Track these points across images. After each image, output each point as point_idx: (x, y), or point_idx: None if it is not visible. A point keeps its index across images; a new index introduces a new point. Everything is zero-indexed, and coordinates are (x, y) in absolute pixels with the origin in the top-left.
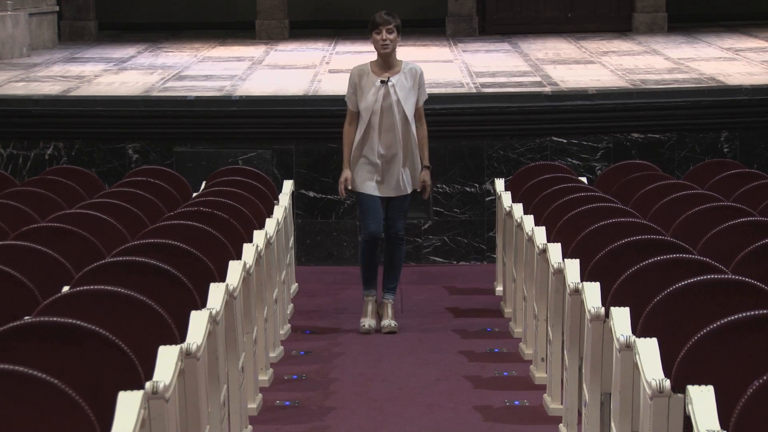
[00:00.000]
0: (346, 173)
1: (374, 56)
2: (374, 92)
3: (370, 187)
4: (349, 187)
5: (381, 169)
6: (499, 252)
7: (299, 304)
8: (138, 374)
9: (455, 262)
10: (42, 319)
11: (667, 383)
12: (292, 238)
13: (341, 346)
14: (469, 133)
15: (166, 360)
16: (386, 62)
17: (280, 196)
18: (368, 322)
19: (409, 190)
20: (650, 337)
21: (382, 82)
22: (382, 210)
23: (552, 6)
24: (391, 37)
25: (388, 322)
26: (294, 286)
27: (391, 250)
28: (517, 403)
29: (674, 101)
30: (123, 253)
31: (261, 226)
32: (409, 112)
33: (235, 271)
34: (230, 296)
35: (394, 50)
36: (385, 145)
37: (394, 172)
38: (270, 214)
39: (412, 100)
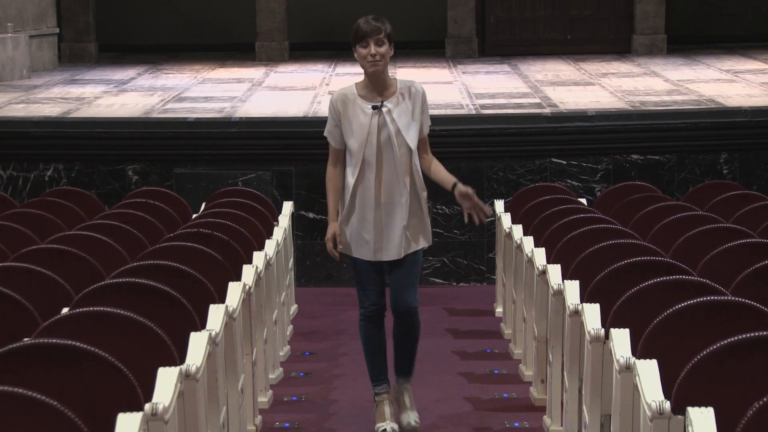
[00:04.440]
0: (333, 227)
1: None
2: (365, 122)
3: (364, 251)
4: (340, 247)
5: (379, 225)
6: (498, 273)
7: (299, 326)
8: (137, 396)
9: (455, 284)
10: (41, 340)
11: (667, 405)
12: (292, 260)
13: (341, 368)
14: (468, 155)
15: (166, 381)
16: (377, 82)
17: (280, 218)
18: (389, 426)
19: (419, 246)
20: (650, 359)
21: (375, 108)
22: (384, 276)
23: (551, 28)
24: (382, 50)
25: (410, 418)
26: (293, 308)
27: (401, 327)
28: (516, 424)
29: (674, 123)
30: (123, 275)
31: (261, 247)
32: (413, 145)
33: (234, 292)
34: (230, 318)
35: (386, 67)
36: (387, 191)
37: (396, 227)
38: (270, 235)
39: (415, 127)
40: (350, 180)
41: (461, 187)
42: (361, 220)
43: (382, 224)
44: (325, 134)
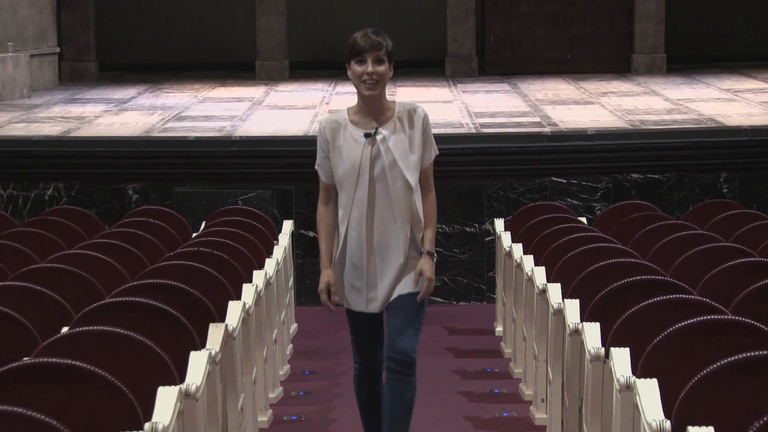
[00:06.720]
0: (327, 276)
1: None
2: (357, 153)
3: (357, 301)
4: (335, 298)
5: (372, 271)
6: (498, 292)
7: (299, 345)
8: (137, 415)
9: (455, 302)
10: (41, 360)
11: (668, 424)
12: (292, 278)
13: (341, 387)
14: (468, 174)
15: (165, 401)
16: (372, 106)
17: (280, 237)
18: None
19: (415, 290)
20: (650, 378)
21: (368, 135)
22: (382, 330)
23: (551, 47)
24: (380, 69)
25: None
26: (293, 327)
27: (392, 385)
28: None
29: (673, 142)
30: (122, 294)
31: (261, 266)
32: (411, 177)
33: (234, 311)
34: (229, 337)
35: (384, 89)
36: (380, 233)
37: (390, 271)
38: (270, 254)
39: (414, 157)
40: (341, 219)
41: (429, 269)
42: (352, 265)
43: (375, 270)
44: (315, 167)
